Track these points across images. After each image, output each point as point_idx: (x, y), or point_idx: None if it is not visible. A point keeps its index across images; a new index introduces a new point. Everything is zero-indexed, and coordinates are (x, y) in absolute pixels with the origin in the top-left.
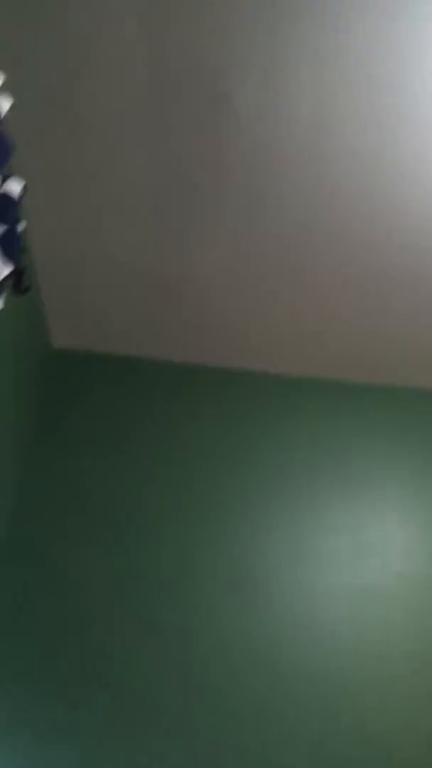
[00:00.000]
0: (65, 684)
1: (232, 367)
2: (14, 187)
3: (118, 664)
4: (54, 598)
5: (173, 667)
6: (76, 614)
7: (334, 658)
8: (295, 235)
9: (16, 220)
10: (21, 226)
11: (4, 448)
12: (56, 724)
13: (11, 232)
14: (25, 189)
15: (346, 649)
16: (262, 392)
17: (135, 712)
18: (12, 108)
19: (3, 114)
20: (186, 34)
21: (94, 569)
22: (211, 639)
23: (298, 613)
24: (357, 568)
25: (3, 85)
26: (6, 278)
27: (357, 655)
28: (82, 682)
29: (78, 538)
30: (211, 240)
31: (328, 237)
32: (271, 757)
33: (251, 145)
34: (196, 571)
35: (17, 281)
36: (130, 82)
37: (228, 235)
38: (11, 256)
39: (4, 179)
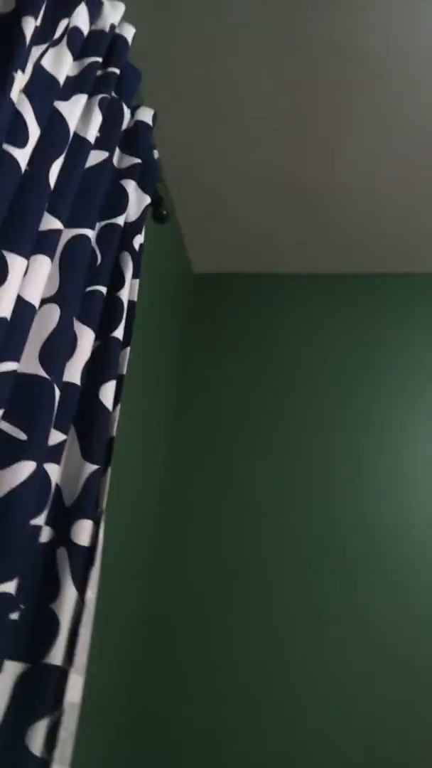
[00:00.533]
0: None
1: (369, 273)
2: (145, 116)
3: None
4: (216, 500)
5: (303, 543)
6: (235, 516)
7: None
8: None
9: (150, 150)
10: (155, 156)
11: (155, 375)
12: None
13: (146, 162)
14: (155, 118)
15: None
16: (399, 293)
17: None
18: (135, 37)
19: (129, 43)
20: None
21: (254, 485)
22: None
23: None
24: None
25: (125, 15)
26: (145, 208)
27: None
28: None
29: (233, 451)
30: (347, 148)
31: None
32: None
33: (383, 54)
34: (359, 473)
35: (155, 210)
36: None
37: (364, 142)
38: (148, 186)
39: (134, 110)
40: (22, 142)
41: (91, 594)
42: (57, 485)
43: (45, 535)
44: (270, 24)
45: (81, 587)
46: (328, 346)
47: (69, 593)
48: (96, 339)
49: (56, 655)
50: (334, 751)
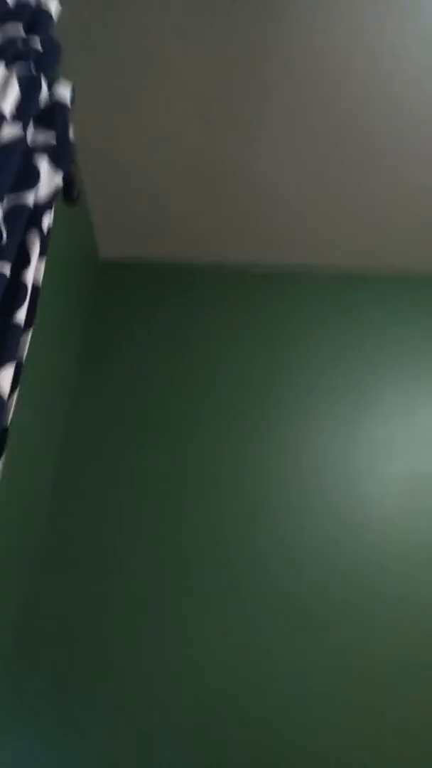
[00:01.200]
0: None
1: (284, 263)
2: (63, 91)
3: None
4: (113, 497)
5: (231, 554)
6: (134, 513)
7: (387, 547)
8: (343, 133)
9: (66, 126)
10: (70, 134)
11: (55, 362)
12: None
13: (61, 139)
14: (73, 94)
15: (399, 538)
16: (316, 288)
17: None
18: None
19: (54, 17)
20: None
21: (149, 475)
22: (267, 527)
23: (353, 504)
24: (410, 457)
25: None
26: (56, 188)
27: (409, 545)
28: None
29: (129, 442)
30: (259, 139)
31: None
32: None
33: (303, 51)
34: (253, 468)
35: (67, 190)
36: None
37: (276, 132)
38: (61, 164)
39: (51, 84)
40: None
41: None
42: None
43: None
44: (195, 6)
45: None
46: (231, 339)
47: None
48: None
49: None
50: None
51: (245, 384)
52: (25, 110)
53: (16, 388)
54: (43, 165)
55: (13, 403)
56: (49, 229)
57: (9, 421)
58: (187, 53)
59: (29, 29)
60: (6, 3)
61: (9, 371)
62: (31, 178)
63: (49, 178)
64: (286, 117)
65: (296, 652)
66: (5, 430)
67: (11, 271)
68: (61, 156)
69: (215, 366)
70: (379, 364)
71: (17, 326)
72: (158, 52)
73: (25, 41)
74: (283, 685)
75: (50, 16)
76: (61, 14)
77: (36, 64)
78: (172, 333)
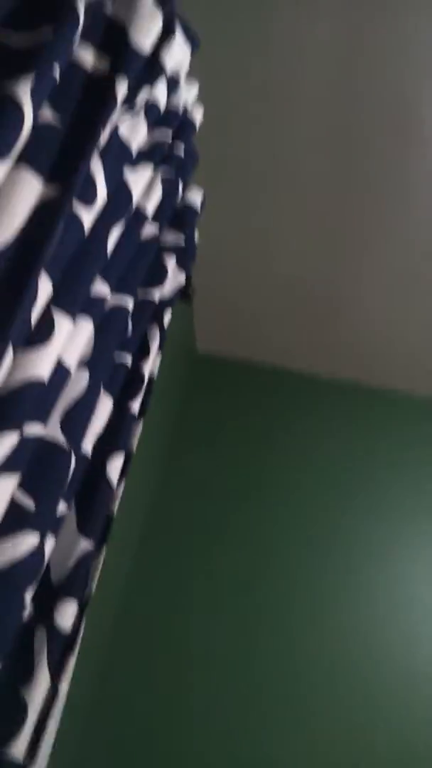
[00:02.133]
0: None
1: (373, 385)
2: (195, 198)
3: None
4: (192, 581)
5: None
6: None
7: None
8: None
9: (194, 230)
10: (196, 237)
11: (147, 451)
12: None
13: (188, 242)
14: (203, 201)
15: None
16: (404, 412)
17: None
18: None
19: (197, 126)
20: (377, 41)
21: (224, 573)
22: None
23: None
24: None
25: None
26: (178, 286)
27: None
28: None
29: (210, 538)
30: (375, 267)
31: None
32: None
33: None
34: (323, 590)
35: (183, 288)
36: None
37: (395, 264)
38: (186, 265)
39: (185, 188)
40: (89, 203)
41: (65, 684)
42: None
43: (26, 611)
44: (323, 116)
45: (56, 675)
46: (322, 452)
47: (42, 680)
48: (112, 409)
49: (19, 747)
50: None
51: (319, 501)
52: (163, 212)
53: (123, 477)
54: (171, 264)
55: (120, 492)
56: (167, 325)
57: (114, 510)
58: (314, 170)
59: (175, 136)
60: (158, 106)
61: (119, 460)
62: (160, 276)
63: (173, 277)
64: (397, 253)
65: None
66: (111, 517)
67: (132, 362)
68: (186, 257)
69: (296, 471)
70: None
71: (132, 416)
72: (283, 166)
73: (171, 147)
74: None
75: (194, 126)
76: None
77: (176, 169)
78: (259, 433)
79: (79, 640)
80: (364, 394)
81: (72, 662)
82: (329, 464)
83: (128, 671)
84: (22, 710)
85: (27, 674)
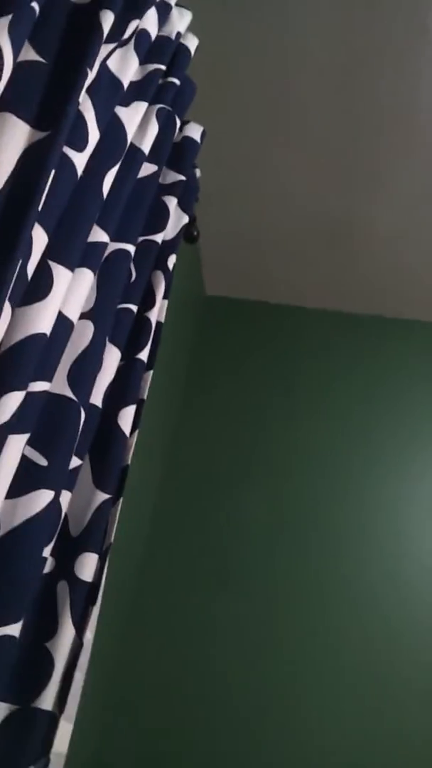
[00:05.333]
0: None
1: (392, 317)
2: (194, 133)
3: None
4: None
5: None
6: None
7: None
8: None
9: (194, 168)
10: (197, 175)
11: (161, 398)
12: None
13: (189, 182)
14: (203, 136)
15: None
16: (422, 341)
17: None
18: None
19: (191, 54)
20: None
21: (244, 503)
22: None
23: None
24: None
25: (190, 25)
26: (182, 227)
27: None
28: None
29: (230, 477)
30: (390, 195)
31: None
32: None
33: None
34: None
35: (187, 230)
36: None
37: (411, 191)
38: (188, 206)
39: (183, 125)
40: (81, 146)
41: (89, 635)
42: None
43: (47, 566)
44: (331, 47)
45: (80, 626)
46: (336, 384)
47: (67, 632)
48: (120, 359)
49: (48, 700)
50: None
51: (337, 433)
52: (160, 149)
53: (137, 427)
54: (172, 205)
55: (133, 442)
56: (173, 269)
57: (129, 460)
58: (323, 99)
59: (170, 65)
60: (149, 36)
61: (131, 410)
62: (161, 218)
63: (176, 218)
64: (415, 175)
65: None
66: (126, 468)
67: (137, 309)
68: (188, 197)
69: (316, 406)
70: None
71: (141, 365)
72: (288, 104)
73: (165, 78)
74: None
75: (189, 54)
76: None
77: (172, 102)
78: (273, 371)
79: (101, 591)
80: (382, 325)
81: (95, 613)
82: (348, 398)
83: (153, 617)
84: (49, 663)
85: (51, 627)
